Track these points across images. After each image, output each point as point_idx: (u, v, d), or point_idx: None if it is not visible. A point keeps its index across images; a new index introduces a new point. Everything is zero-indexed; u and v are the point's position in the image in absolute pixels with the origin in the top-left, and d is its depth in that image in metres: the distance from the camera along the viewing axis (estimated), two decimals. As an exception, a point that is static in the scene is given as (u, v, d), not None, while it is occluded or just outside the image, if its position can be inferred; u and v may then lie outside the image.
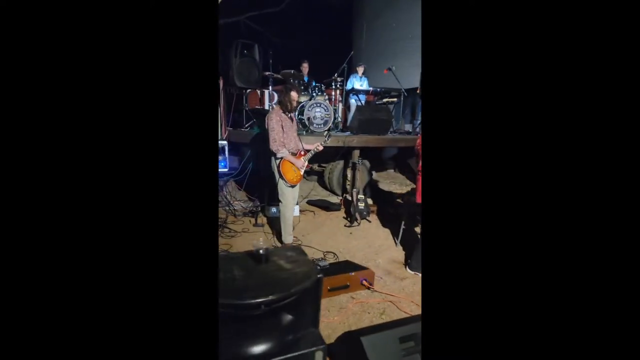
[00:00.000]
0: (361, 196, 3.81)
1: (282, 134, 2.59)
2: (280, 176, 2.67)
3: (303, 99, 4.70)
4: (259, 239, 1.20)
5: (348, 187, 4.84)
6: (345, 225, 3.65)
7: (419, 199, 2.46)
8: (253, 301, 1.01)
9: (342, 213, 4.11)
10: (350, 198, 4.32)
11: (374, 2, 8.54)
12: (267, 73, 4.50)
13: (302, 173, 2.79)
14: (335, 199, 4.66)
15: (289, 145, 2.65)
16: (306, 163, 2.80)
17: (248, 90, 4.62)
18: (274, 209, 3.63)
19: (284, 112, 2.64)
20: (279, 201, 2.78)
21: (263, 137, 3.80)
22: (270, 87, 4.72)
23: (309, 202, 4.35)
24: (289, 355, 1.07)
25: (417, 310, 2.04)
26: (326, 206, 4.17)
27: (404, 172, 6.81)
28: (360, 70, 5.70)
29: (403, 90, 5.45)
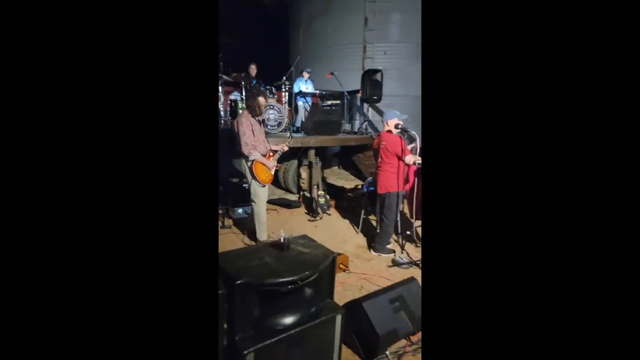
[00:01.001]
0: (321, 192, 4.11)
1: (252, 138, 2.72)
2: (253, 177, 2.79)
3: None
4: (280, 231, 1.39)
5: (302, 185, 5.11)
6: (309, 220, 3.91)
7: (379, 191, 2.86)
8: (289, 279, 1.21)
9: (302, 209, 4.35)
10: (309, 195, 4.60)
11: (309, 7, 8.88)
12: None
13: (272, 173, 2.96)
14: (292, 197, 4.88)
15: (259, 148, 2.79)
16: (276, 163, 2.97)
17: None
18: (239, 210, 3.69)
19: (253, 116, 2.77)
20: (252, 201, 2.90)
21: (223, 140, 3.82)
22: (220, 89, 4.68)
23: (270, 202, 4.47)
24: (316, 321, 1.30)
25: (387, 283, 2.43)
26: (287, 204, 4.37)
27: (348, 168, 7.36)
28: (306, 75, 6.00)
29: (346, 93, 5.93)
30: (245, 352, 1.11)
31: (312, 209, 4.09)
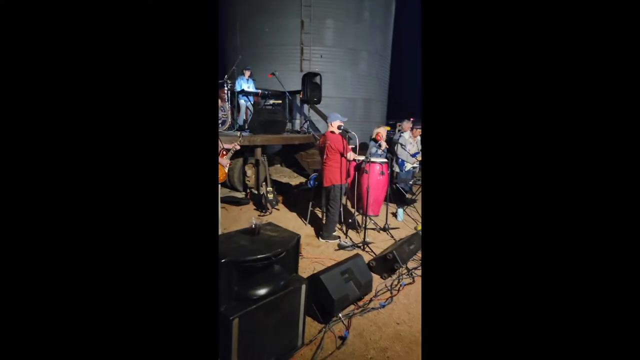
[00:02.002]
0: (269, 188, 4.32)
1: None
2: (207, 175, 2.89)
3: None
4: (252, 219, 1.61)
5: (248, 182, 5.23)
6: (259, 215, 4.09)
7: (325, 184, 3.22)
8: (264, 255, 1.46)
9: (251, 206, 4.50)
10: (256, 192, 4.76)
11: (246, 2, 8.82)
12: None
13: (226, 171, 3.08)
14: (239, 195, 4.97)
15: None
16: (229, 161, 3.10)
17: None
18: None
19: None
20: (206, 199, 2.99)
21: None
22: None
23: (217, 200, 4.52)
24: (286, 291, 1.57)
25: (332, 262, 2.81)
26: (236, 201, 4.47)
27: (290, 166, 7.65)
28: (247, 73, 6.08)
29: (287, 93, 6.19)
30: (231, 317, 1.33)
31: (261, 205, 4.27)
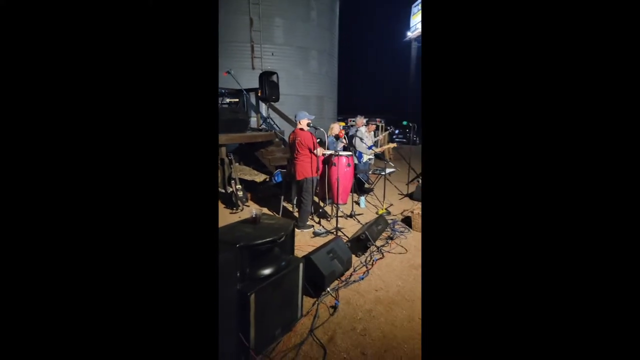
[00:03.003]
0: (239, 186, 4.41)
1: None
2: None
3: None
4: (252, 210, 1.81)
5: (211, 183, 5.22)
6: (230, 213, 4.18)
7: (298, 177, 3.46)
8: (269, 239, 1.67)
9: (220, 204, 4.54)
10: (223, 190, 4.80)
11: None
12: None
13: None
14: (205, 195, 4.95)
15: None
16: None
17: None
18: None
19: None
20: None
21: None
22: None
23: (182, 202, 4.45)
24: (288, 270, 1.81)
25: (312, 248, 3.09)
26: (203, 202, 4.46)
27: (249, 164, 7.68)
28: (201, 71, 5.97)
29: (244, 91, 6.23)
30: (249, 293, 1.53)
31: (230, 203, 4.35)
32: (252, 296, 1.54)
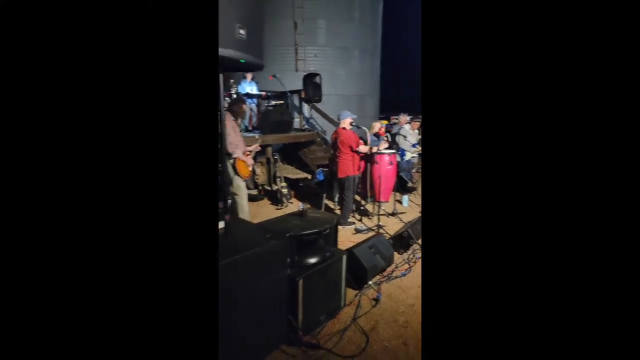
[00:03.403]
0: (284, 184, 4.65)
1: (235, 138, 3.13)
2: (236, 173, 3.20)
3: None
4: (299, 204, 1.96)
5: (257, 180, 5.54)
6: (276, 209, 4.42)
7: (340, 175, 3.57)
8: (316, 230, 1.80)
9: (266, 201, 4.82)
10: (269, 188, 5.08)
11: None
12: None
13: (250, 169, 3.40)
14: (253, 192, 5.28)
15: (240, 147, 3.21)
16: (253, 161, 3.42)
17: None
18: (211, 207, 3.99)
19: (234, 120, 3.18)
20: (235, 194, 3.30)
21: None
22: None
23: (234, 197, 4.82)
24: (332, 260, 1.92)
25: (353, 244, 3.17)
26: (252, 198, 4.77)
27: (291, 163, 7.97)
28: (249, 76, 6.35)
29: (288, 92, 6.50)
30: (297, 279, 1.67)
31: (276, 200, 4.60)
32: (301, 281, 1.68)
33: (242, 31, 1.31)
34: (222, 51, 1.26)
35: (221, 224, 1.66)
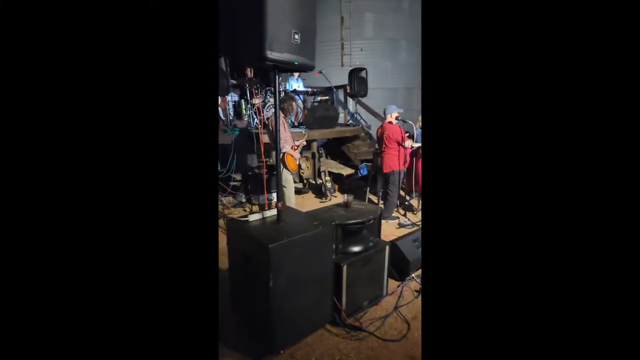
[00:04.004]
0: (328, 178, 4.80)
1: (285, 133, 3.34)
2: (285, 167, 3.42)
3: (256, 101, 5.36)
4: (344, 195, 2.09)
5: (302, 174, 5.76)
6: (320, 202, 4.60)
7: (385, 170, 3.60)
8: (360, 220, 1.90)
9: (311, 194, 5.02)
10: (313, 182, 5.28)
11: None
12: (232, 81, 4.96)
13: (297, 163, 3.59)
14: (298, 185, 5.53)
15: (288, 142, 3.42)
16: (300, 155, 3.61)
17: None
18: (262, 197, 4.29)
19: (284, 116, 3.39)
20: (283, 186, 3.52)
21: (246, 136, 4.37)
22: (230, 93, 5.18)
23: (281, 190, 5.11)
24: (375, 250, 2.00)
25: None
26: (297, 191, 5.01)
27: (335, 158, 8.08)
28: (296, 73, 6.57)
29: (334, 88, 6.60)
30: (342, 264, 1.79)
31: (320, 193, 4.77)
32: (345, 267, 1.80)
33: (296, 36, 1.44)
34: (279, 55, 1.41)
35: (274, 211, 1.84)
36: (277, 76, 1.66)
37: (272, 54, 1.38)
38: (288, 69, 1.61)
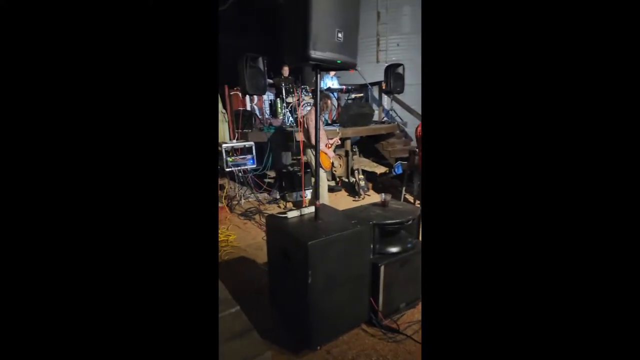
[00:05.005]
0: (361, 176, 4.76)
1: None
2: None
3: (291, 100, 5.44)
4: (381, 194, 2.06)
5: (335, 172, 5.76)
6: (353, 200, 4.57)
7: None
8: (399, 221, 1.86)
9: (343, 192, 5.01)
10: (346, 180, 5.26)
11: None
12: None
13: (331, 161, 3.60)
14: (331, 183, 5.54)
15: (322, 140, 3.43)
16: (334, 153, 3.62)
17: (231, 93, 5.16)
18: (295, 194, 4.36)
19: (319, 114, 3.41)
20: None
21: (281, 134, 4.46)
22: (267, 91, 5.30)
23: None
24: (413, 251, 1.95)
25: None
26: (330, 189, 5.02)
27: (367, 156, 7.97)
28: (332, 72, 6.57)
29: (369, 85, 6.50)
30: (380, 265, 1.77)
31: (353, 191, 4.74)
32: (382, 267, 1.78)
33: (340, 35, 1.44)
34: (322, 55, 1.42)
35: (311, 209, 1.87)
36: (318, 75, 1.67)
37: (315, 54, 1.39)
38: (330, 67, 1.60)
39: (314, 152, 3.45)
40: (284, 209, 4.17)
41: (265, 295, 2.04)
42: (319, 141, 1.82)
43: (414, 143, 6.41)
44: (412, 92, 7.88)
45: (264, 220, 3.77)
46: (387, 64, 6.58)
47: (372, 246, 1.82)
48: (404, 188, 4.10)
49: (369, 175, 5.96)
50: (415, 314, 1.96)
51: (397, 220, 1.87)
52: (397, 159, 5.98)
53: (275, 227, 1.83)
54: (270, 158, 4.45)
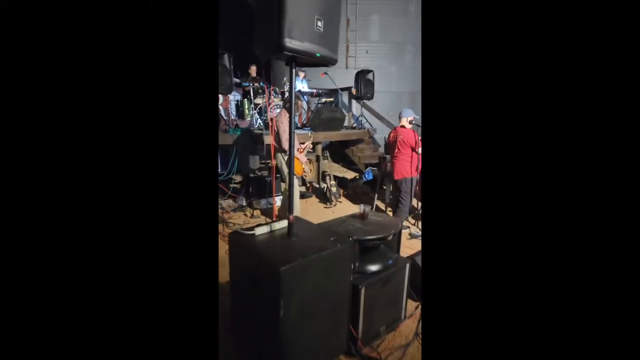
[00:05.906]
0: (333, 182, 4.59)
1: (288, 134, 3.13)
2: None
3: (259, 101, 5.15)
4: (360, 205, 1.87)
5: (305, 177, 5.55)
6: (324, 207, 4.38)
7: (396, 177, 3.39)
8: (379, 236, 1.69)
9: (314, 199, 4.80)
10: (317, 185, 5.06)
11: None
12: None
13: (303, 166, 3.38)
14: (300, 189, 5.30)
15: (295, 144, 3.20)
16: (306, 158, 3.40)
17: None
18: (263, 201, 4.07)
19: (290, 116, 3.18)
20: (287, 191, 3.31)
21: (248, 137, 4.15)
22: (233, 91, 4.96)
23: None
24: (395, 268, 1.79)
25: (410, 251, 2.98)
26: (301, 195, 4.78)
27: (337, 161, 7.88)
28: (302, 74, 6.39)
29: (340, 91, 6.41)
30: (360, 286, 1.57)
31: (324, 198, 4.55)
32: (363, 290, 1.59)
33: (319, 23, 1.23)
34: (300, 45, 1.20)
35: (284, 223, 1.63)
36: (293, 70, 1.45)
37: (291, 42, 1.17)
38: (307, 62, 1.39)
39: (284, 156, 3.21)
40: (251, 216, 3.86)
41: (226, 319, 1.76)
42: (293, 145, 1.59)
43: (382, 149, 6.44)
44: (382, 99, 7.95)
45: (228, 231, 3.44)
46: (356, 70, 6.54)
47: (352, 266, 1.63)
48: (375, 195, 3.99)
49: (340, 181, 5.83)
50: (396, 337, 1.79)
51: (380, 235, 1.69)
52: (366, 165, 5.93)
53: (240, 246, 1.56)
54: (236, 162, 4.12)
